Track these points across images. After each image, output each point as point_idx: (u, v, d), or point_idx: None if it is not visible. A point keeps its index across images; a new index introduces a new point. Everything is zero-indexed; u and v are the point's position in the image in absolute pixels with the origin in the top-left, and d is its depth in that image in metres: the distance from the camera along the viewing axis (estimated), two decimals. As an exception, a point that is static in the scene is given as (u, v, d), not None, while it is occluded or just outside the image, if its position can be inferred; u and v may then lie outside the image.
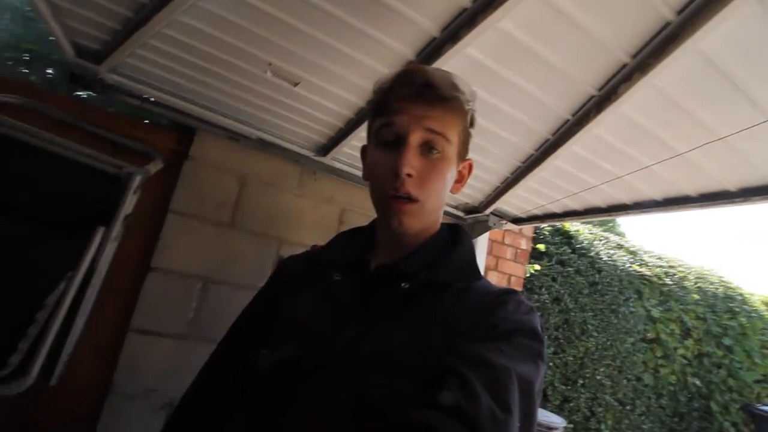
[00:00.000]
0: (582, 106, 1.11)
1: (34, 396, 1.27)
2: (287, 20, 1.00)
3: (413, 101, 0.60)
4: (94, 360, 1.40)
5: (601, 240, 3.74)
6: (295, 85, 1.24)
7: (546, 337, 0.60)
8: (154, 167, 1.48)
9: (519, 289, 2.40)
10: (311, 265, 0.73)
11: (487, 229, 1.96)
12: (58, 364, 1.25)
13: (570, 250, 3.39)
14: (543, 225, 2.07)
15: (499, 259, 2.30)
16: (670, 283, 3.77)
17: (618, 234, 6.06)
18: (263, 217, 1.64)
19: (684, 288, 3.82)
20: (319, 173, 1.74)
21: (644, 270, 3.69)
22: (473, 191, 1.78)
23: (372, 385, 0.53)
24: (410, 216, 0.61)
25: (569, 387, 3.16)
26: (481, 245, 2.07)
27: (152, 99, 1.41)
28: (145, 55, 1.21)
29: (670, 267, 3.95)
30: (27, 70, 2.09)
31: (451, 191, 0.69)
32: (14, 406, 1.28)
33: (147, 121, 1.67)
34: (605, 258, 3.53)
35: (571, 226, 3.54)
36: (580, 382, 3.19)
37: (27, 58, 2.09)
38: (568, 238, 3.47)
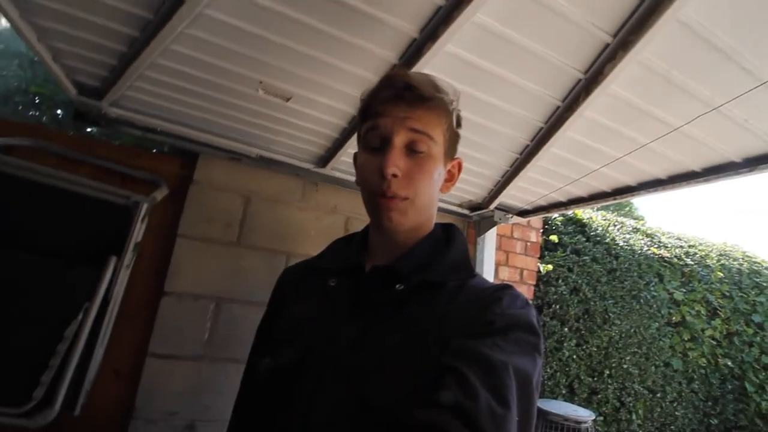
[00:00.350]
0: (570, 91, 1.10)
1: (60, 427, 1.30)
2: (271, 38, 1.02)
3: (395, 103, 0.62)
4: (115, 387, 1.43)
5: (615, 225, 3.68)
6: (287, 100, 1.27)
7: (542, 330, 0.60)
8: (160, 194, 1.52)
9: (532, 282, 2.37)
10: (308, 273, 0.75)
11: (494, 224, 1.95)
12: (80, 394, 1.27)
13: (584, 239, 3.35)
14: (550, 215, 2.05)
15: (509, 254, 2.28)
16: (692, 263, 3.68)
17: (636, 218, 5.95)
18: (269, 233, 1.67)
19: (707, 267, 3.72)
20: (321, 184, 1.76)
21: (663, 252, 3.61)
22: (475, 188, 1.78)
23: (371, 387, 0.54)
24: (400, 212, 0.62)
25: (596, 378, 3.10)
26: (490, 241, 2.06)
27: (156, 129, 1.45)
28: (142, 86, 1.25)
29: (690, 247, 3.86)
30: (37, 113, 2.19)
31: (442, 190, 0.70)
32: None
33: (155, 150, 1.73)
34: (621, 243, 3.47)
35: (584, 213, 3.49)
36: (607, 372, 3.12)
37: (36, 100, 2.18)
38: (581, 226, 3.43)
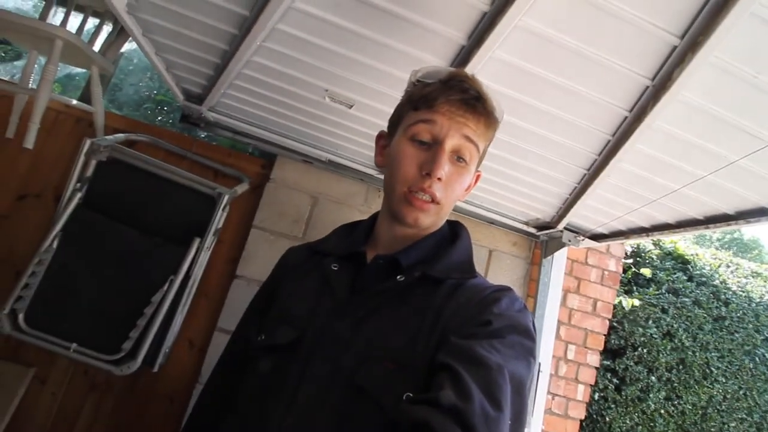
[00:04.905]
0: (638, 99, 1.02)
1: (140, 380, 1.52)
2: (336, 49, 1.12)
3: (459, 107, 0.62)
4: (187, 353, 1.63)
5: (729, 266, 3.16)
6: (350, 107, 1.37)
7: (537, 335, 0.58)
8: (241, 189, 1.72)
9: (608, 315, 2.13)
10: (311, 255, 0.76)
11: (562, 245, 1.82)
12: (160, 354, 1.48)
13: (685, 278, 2.93)
14: (629, 240, 1.84)
15: (582, 281, 2.09)
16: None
17: (765, 263, 5.01)
18: (331, 232, 1.78)
19: None
20: (383, 190, 1.83)
21: (793, 304, 2.99)
22: (542, 204, 1.69)
23: (363, 373, 0.55)
24: (427, 215, 0.64)
25: (688, 441, 2.65)
26: (558, 264, 1.92)
27: (242, 131, 1.66)
28: (232, 93, 1.45)
29: (834, 302, 3.13)
30: (161, 117, 2.64)
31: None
32: (125, 386, 1.55)
33: (244, 152, 1.97)
34: (735, 288, 2.96)
35: (686, 249, 3.06)
36: (704, 436, 2.65)
37: (159, 107, 2.65)
38: (682, 262, 3.01)
